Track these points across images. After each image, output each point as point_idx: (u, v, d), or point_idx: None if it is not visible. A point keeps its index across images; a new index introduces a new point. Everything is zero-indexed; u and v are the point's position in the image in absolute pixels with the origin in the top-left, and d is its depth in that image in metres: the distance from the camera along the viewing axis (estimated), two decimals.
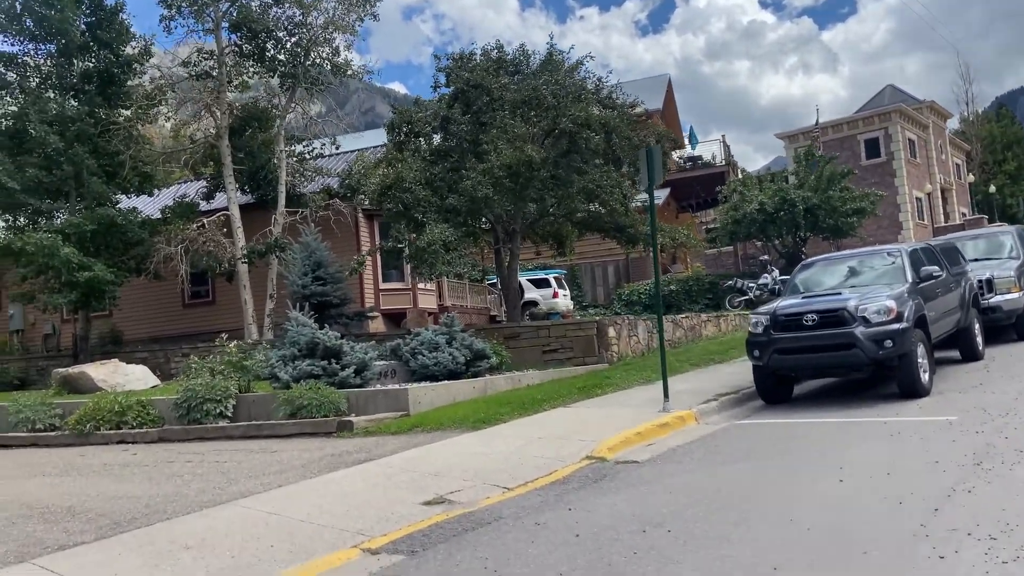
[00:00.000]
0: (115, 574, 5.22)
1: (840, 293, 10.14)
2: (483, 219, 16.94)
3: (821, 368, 10.03)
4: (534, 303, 26.48)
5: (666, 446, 8.49)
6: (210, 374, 12.01)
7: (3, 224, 19.24)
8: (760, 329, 10.21)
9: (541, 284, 27.81)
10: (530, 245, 20.64)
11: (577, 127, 14.12)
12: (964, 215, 55.52)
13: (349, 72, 20.29)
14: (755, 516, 5.59)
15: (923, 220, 46.96)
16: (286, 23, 18.98)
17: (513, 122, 14.52)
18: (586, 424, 9.53)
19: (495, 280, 29.09)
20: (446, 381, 12.71)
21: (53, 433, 12.09)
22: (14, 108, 18.46)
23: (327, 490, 7.21)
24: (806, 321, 9.71)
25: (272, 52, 19.07)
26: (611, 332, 15.38)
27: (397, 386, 12.28)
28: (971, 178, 52.61)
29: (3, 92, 18.84)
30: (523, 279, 25.07)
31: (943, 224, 50.47)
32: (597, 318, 15.58)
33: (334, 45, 19.70)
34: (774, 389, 10.52)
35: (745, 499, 6.12)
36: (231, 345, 12.62)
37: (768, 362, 10.04)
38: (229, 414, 11.69)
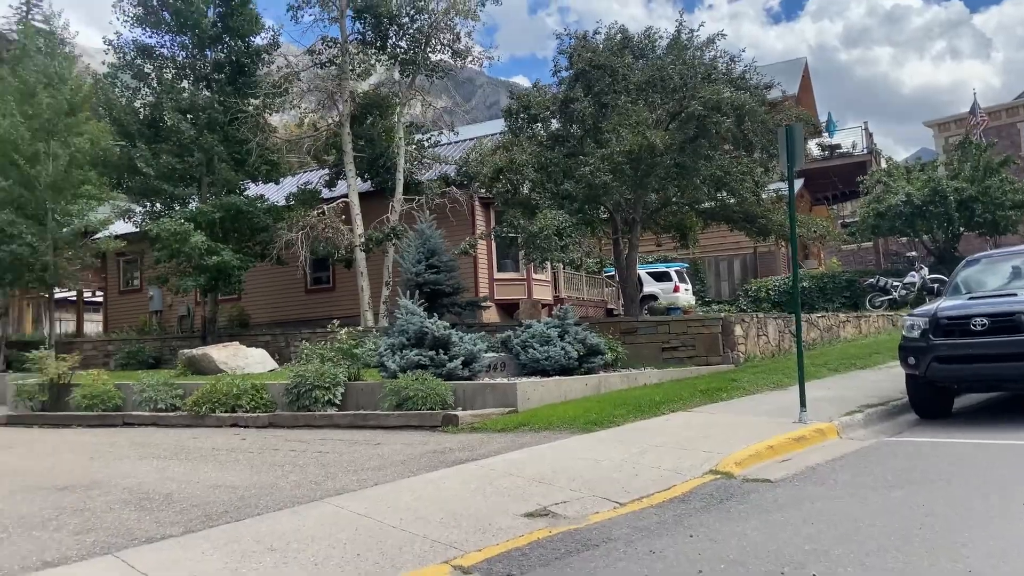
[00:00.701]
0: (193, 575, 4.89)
1: (1016, 294, 8.66)
2: (601, 207, 16.13)
3: (991, 380, 8.61)
4: (653, 297, 25.40)
5: (804, 464, 7.45)
6: (320, 361, 11.91)
7: (142, 210, 20.19)
8: (917, 333, 8.90)
9: (661, 278, 26.68)
10: (650, 236, 19.61)
11: (707, 110, 13.04)
12: None
13: (469, 58, 19.94)
14: (921, 562, 4.58)
15: None
16: (408, 8, 18.85)
17: (635, 107, 13.60)
18: (710, 432, 8.61)
19: (613, 272, 28.22)
20: (557, 377, 12.05)
21: (172, 414, 12.36)
22: (151, 98, 19.31)
23: (424, 492, 6.71)
24: (974, 326, 8.35)
25: (394, 39, 19.00)
26: (738, 330, 14.22)
27: (505, 380, 11.73)
28: None
29: (141, 83, 19.74)
30: (642, 272, 24.05)
31: None
32: (722, 314, 14.47)
33: (455, 31, 19.40)
34: (931, 402, 9.18)
35: (906, 538, 5.09)
36: (342, 332, 12.49)
37: (926, 371, 8.73)
38: (337, 402, 11.53)
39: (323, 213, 18.53)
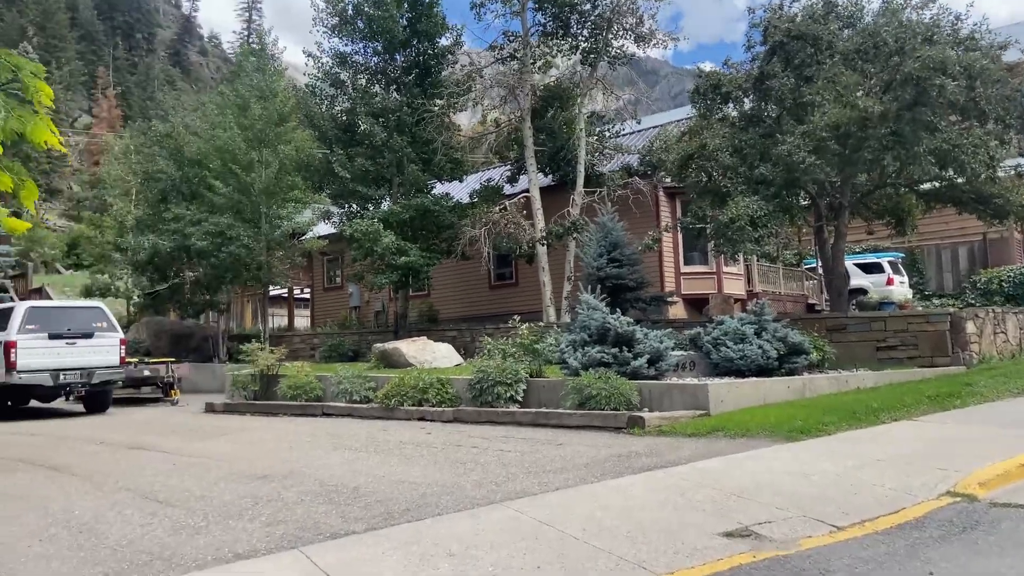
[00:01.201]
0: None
1: None
2: (801, 192, 14.72)
3: None
4: (862, 291, 23.07)
5: None
6: (502, 357, 11.77)
7: (339, 211, 21.38)
8: None
9: (871, 269, 24.17)
10: (859, 224, 17.73)
11: (927, 71, 11.35)
12: None
13: (653, 42, 19.10)
14: None
15: None
16: None
17: (844, 72, 12.17)
18: (943, 446, 7.36)
19: (813, 264, 26.03)
20: (754, 378, 11.05)
21: (365, 405, 12.79)
22: (346, 104, 20.37)
23: (609, 500, 6.20)
24: None
25: (575, 28, 18.63)
26: (970, 327, 12.35)
27: (695, 380, 10.92)
28: None
29: (338, 91, 20.88)
30: (848, 263, 21.90)
31: None
32: (951, 309, 12.63)
33: (638, 14, 18.67)
34: None
35: None
36: (523, 327, 12.29)
37: None
38: (519, 398, 11.33)
39: (505, 209, 18.56)
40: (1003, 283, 23.76)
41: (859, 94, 12.07)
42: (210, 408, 14.98)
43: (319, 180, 20.63)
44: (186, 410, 15.88)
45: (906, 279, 25.08)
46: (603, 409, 10.09)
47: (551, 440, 9.39)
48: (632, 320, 11.69)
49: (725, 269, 20.66)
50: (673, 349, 12.10)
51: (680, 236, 20.03)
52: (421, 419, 11.77)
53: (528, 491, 6.68)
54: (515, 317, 12.70)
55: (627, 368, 10.85)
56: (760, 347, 11.33)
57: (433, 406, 11.94)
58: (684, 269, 20.30)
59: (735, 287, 21.02)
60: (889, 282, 24.10)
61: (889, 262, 24.66)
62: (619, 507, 5.97)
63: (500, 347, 12.14)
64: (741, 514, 5.65)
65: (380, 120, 19.23)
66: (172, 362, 18.12)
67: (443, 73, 20.25)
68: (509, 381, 11.25)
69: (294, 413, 13.49)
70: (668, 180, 18.39)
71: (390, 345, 15.92)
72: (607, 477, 7.04)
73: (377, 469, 8.03)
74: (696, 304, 19.97)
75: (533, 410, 10.86)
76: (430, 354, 15.66)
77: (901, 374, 11.78)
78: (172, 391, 18.00)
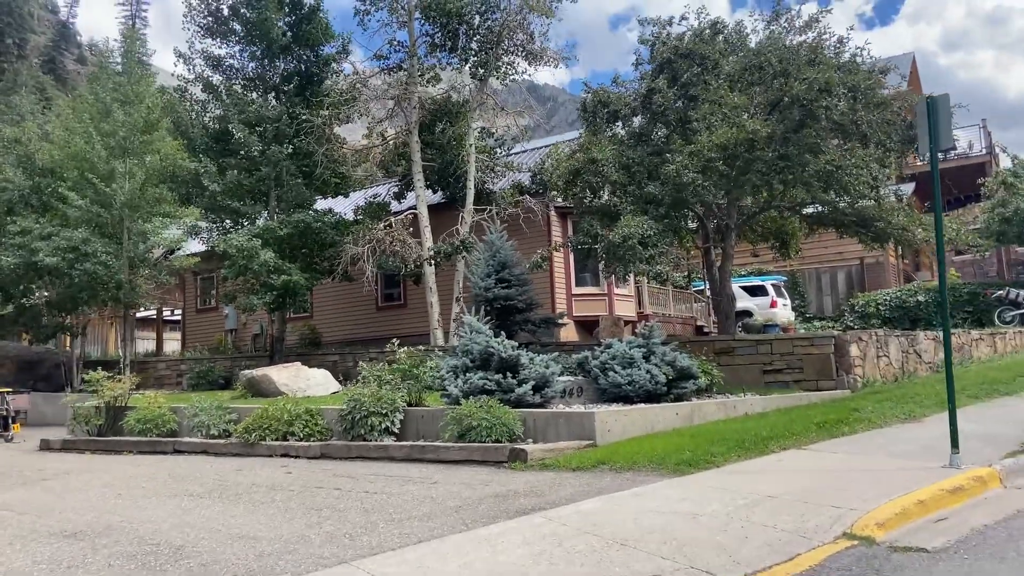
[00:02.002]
0: None
1: None
2: (689, 214, 14.52)
3: None
4: (747, 313, 23.35)
5: (966, 525, 5.73)
6: (377, 384, 10.79)
7: (209, 226, 19.76)
8: None
9: (756, 292, 24.58)
10: (745, 247, 17.78)
11: (814, 93, 11.30)
12: None
13: (545, 60, 18.70)
14: None
15: None
16: (478, 5, 17.77)
17: (730, 94, 11.99)
18: (836, 480, 6.94)
19: (702, 286, 26.28)
20: (642, 404, 10.53)
21: (223, 441, 11.49)
22: (218, 111, 18.90)
23: (476, 555, 5.36)
24: None
25: (464, 40, 17.99)
26: (854, 350, 12.33)
27: (582, 408, 10.29)
28: None
29: (209, 96, 19.39)
30: (734, 286, 22.11)
31: None
32: (835, 332, 12.60)
33: (528, 30, 18.24)
34: None
35: None
36: (401, 351, 11.37)
37: None
38: (396, 430, 10.37)
39: (390, 226, 17.60)
40: (880, 306, 24.63)
41: (745, 116, 11.90)
42: (45, 446, 13.19)
43: (187, 193, 19.01)
44: (18, 448, 13.96)
45: (789, 302, 25.67)
46: (484, 441, 9.28)
47: (425, 478, 8.49)
48: (517, 344, 10.98)
49: (616, 291, 20.40)
50: (561, 374, 11.47)
51: (572, 257, 19.63)
52: (285, 455, 10.61)
53: (386, 545, 5.76)
54: (394, 340, 11.76)
55: (511, 396, 10.10)
56: (648, 372, 10.84)
57: (300, 440, 10.80)
58: (575, 290, 19.89)
59: (626, 309, 20.79)
60: (773, 304, 24.57)
61: (772, 285, 25.18)
62: (486, 565, 5.14)
63: (376, 373, 11.16)
64: (622, 567, 4.94)
65: (257, 129, 17.92)
66: (8, 392, 16.02)
67: (326, 83, 19.15)
68: (384, 411, 10.28)
69: (142, 450, 11.99)
70: (560, 199, 17.95)
71: (259, 372, 14.58)
72: (479, 524, 6.20)
73: (215, 520, 6.89)
74: (588, 326, 19.57)
75: (408, 443, 9.92)
76: (304, 381, 14.44)
77: (788, 398, 11.57)
78: (12, 425, 15.90)
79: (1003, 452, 7.45)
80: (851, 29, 13.11)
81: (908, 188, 25.59)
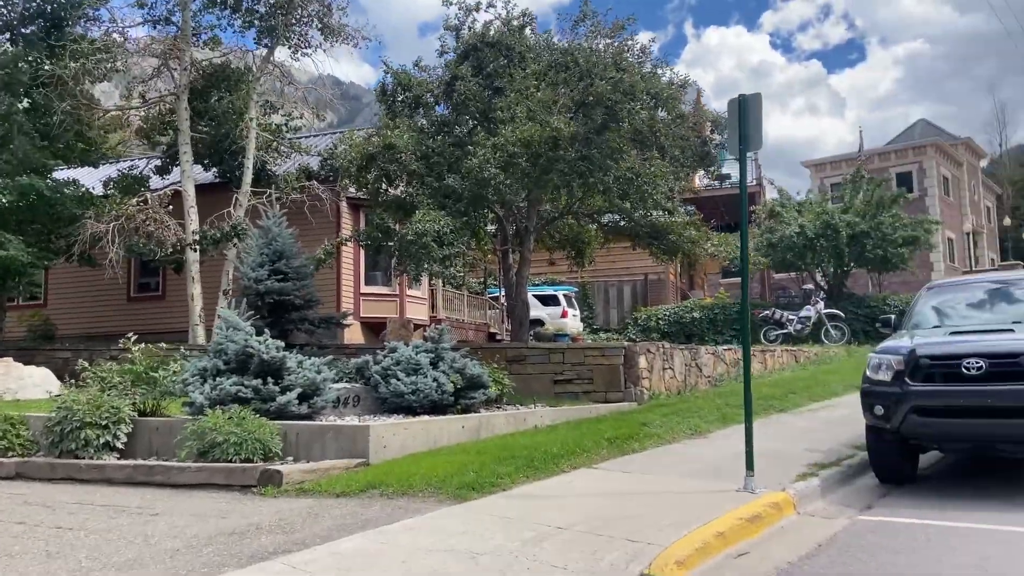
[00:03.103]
0: None
1: (1013, 331, 6.86)
2: (488, 214, 13.74)
3: (985, 440, 6.70)
4: (539, 322, 23.23)
5: (770, 562, 5.19)
6: (100, 387, 8.73)
7: None
8: (888, 375, 6.94)
9: (548, 301, 24.61)
10: (541, 255, 17.40)
11: (618, 95, 10.92)
12: (993, 260, 52.59)
13: (343, 37, 17.14)
14: None
15: (954, 262, 44.11)
16: None
17: (536, 85, 11.32)
18: (629, 505, 6.23)
19: (497, 293, 25.89)
20: (426, 416, 9.42)
21: None
22: None
23: None
24: (967, 369, 6.44)
25: (248, 2, 15.95)
26: (642, 362, 12.11)
27: (356, 420, 8.98)
28: (1008, 221, 49.50)
29: None
30: (528, 295, 21.84)
31: (975, 268, 47.56)
32: (625, 343, 12.36)
33: (325, 2, 16.60)
34: (898, 464, 7.24)
35: None
36: (136, 348, 9.37)
37: (900, 425, 6.77)
38: (120, 445, 8.40)
39: (145, 202, 15.10)
40: (660, 320, 25.64)
41: (550, 115, 11.29)
42: None
43: None
44: None
45: (579, 312, 26.03)
46: (231, 460, 7.66)
47: (146, 508, 6.73)
48: (288, 345, 9.44)
49: (409, 292, 19.26)
50: (336, 380, 10.08)
51: (362, 253, 18.19)
52: None
53: None
54: (129, 335, 9.70)
55: (271, 405, 8.54)
56: (435, 379, 9.76)
57: None
58: (364, 290, 18.46)
59: (419, 312, 19.70)
60: (564, 315, 24.76)
61: (564, 295, 25.40)
62: None
63: (101, 374, 9.07)
64: None
65: None
66: None
67: (76, 29, 16.15)
68: (104, 422, 8.27)
69: None
70: (353, 189, 16.46)
71: None
72: None
73: None
74: (376, 329, 18.21)
75: (132, 463, 8.01)
76: (15, 381, 11.75)
77: (577, 410, 11.04)
78: None
79: (793, 474, 7.19)
80: (653, 41, 13.05)
81: (690, 209, 26.94)
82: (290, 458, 8.10)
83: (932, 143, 44.47)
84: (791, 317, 21.04)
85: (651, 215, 12.97)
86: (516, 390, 11.47)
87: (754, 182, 32.77)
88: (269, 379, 8.65)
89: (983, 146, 54.29)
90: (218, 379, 8.71)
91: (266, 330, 9.31)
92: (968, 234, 44.88)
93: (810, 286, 23.40)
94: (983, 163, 55.02)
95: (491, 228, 15.74)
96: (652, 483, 7.02)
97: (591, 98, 11.16)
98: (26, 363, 13.27)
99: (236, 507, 6.69)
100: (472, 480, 6.91)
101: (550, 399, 11.85)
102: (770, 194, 31.54)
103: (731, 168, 32.43)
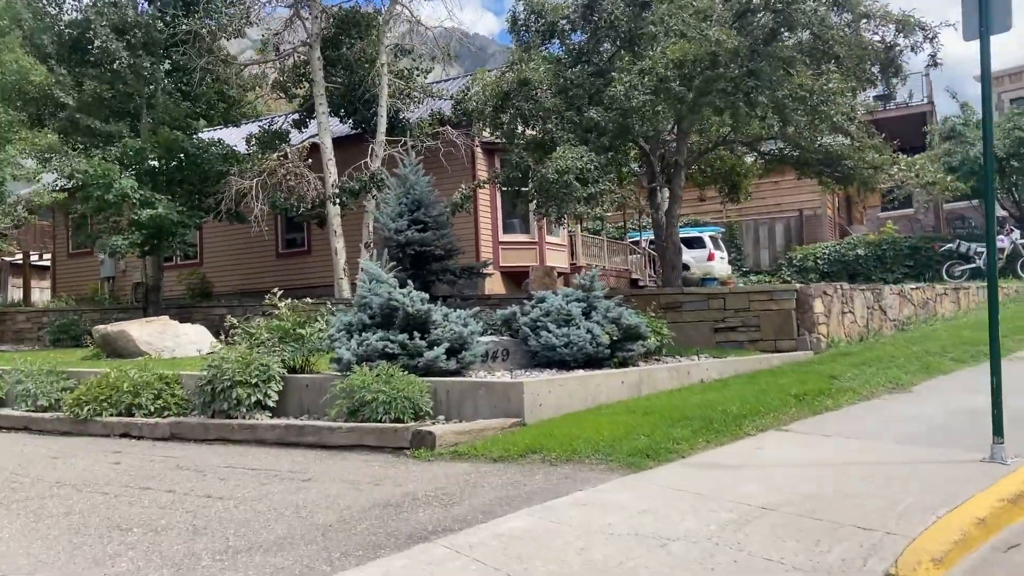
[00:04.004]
0: None
1: None
2: (633, 147, 12.57)
3: None
4: (685, 266, 21.73)
5: None
6: (249, 345, 8.53)
7: (71, 151, 16.68)
8: None
9: (693, 244, 23.05)
10: (692, 191, 15.98)
11: None
12: None
13: None
14: None
15: None
16: None
17: None
18: (844, 481, 5.16)
19: (637, 237, 24.64)
20: (581, 371, 8.62)
21: (49, 415, 9.03)
22: (76, 15, 15.67)
23: None
24: None
25: None
26: (818, 306, 10.73)
27: (507, 376, 8.32)
28: None
29: None
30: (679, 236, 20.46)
31: None
32: (797, 285, 10.99)
33: None
34: None
35: None
36: (283, 304, 9.11)
37: None
38: (271, 403, 8.17)
39: (285, 156, 15.02)
40: (818, 260, 23.54)
41: (708, 25, 9.92)
42: None
43: (38, 113, 15.86)
44: None
45: (726, 255, 24.33)
46: (381, 420, 7.21)
47: (297, 472, 6.37)
48: (432, 297, 8.88)
49: (548, 239, 18.46)
50: (483, 334, 9.46)
51: (499, 200, 17.52)
52: (126, 435, 8.28)
53: None
54: (275, 290, 9.48)
55: (419, 361, 8.02)
56: (589, 331, 8.92)
57: (149, 415, 8.48)
58: (503, 238, 17.83)
59: (558, 260, 18.90)
60: (710, 257, 23.18)
61: (711, 236, 23.75)
62: None
63: (250, 331, 8.88)
64: None
65: (125, 37, 14.86)
66: None
67: None
68: (254, 380, 8.06)
69: None
70: (487, 134, 15.72)
71: (115, 327, 12.02)
72: (350, 565, 4.15)
73: None
74: (516, 278, 17.61)
75: (283, 422, 7.74)
76: (172, 339, 11.99)
77: (746, 361, 9.89)
78: None
79: None
80: None
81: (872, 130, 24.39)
82: (441, 417, 7.57)
83: None
84: (980, 250, 18.52)
85: (822, 140, 11.35)
86: (674, 340, 10.44)
87: (925, 100, 29.27)
88: (415, 333, 8.11)
89: None
90: (364, 334, 8.28)
91: (409, 282, 8.78)
92: None
93: (1004, 213, 20.54)
94: None
95: (636, 167, 14.59)
96: (863, 451, 5.88)
97: (756, 1, 9.67)
98: (183, 321, 13.62)
99: (389, 472, 6.19)
100: (644, 445, 6.05)
101: (712, 350, 10.75)
102: (945, 111, 28.05)
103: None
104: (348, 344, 8.23)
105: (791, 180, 24.48)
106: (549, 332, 8.93)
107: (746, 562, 3.91)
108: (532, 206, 12.67)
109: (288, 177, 14.53)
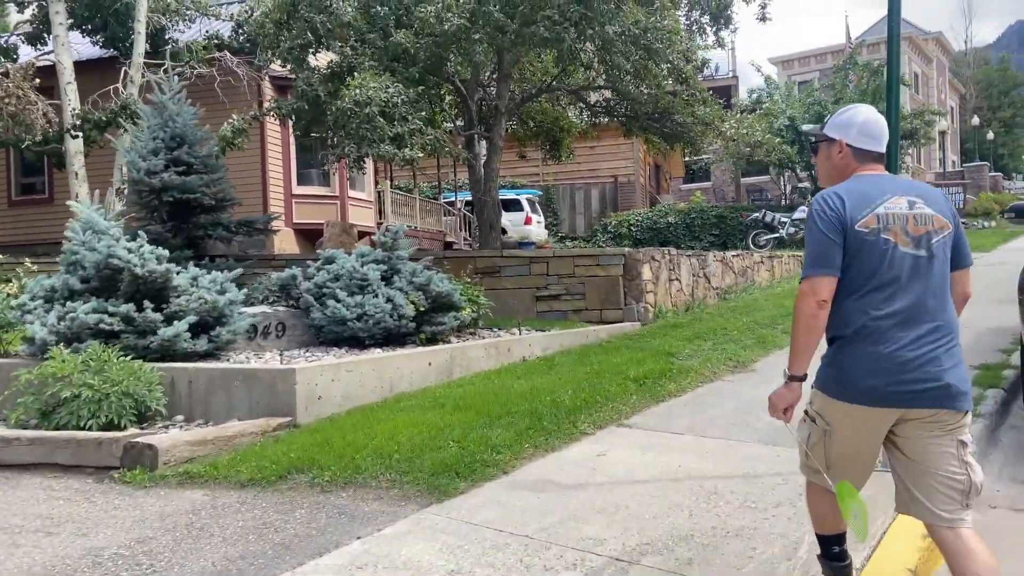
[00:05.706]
0: None
1: None
2: (449, 87, 10.89)
3: None
4: (502, 230, 20.62)
5: None
6: None
7: None
8: None
9: (510, 206, 21.88)
10: (512, 148, 14.57)
11: None
12: (954, 162, 51.71)
13: None
14: None
15: (920, 163, 42.74)
16: None
17: None
18: (723, 504, 3.87)
19: (453, 198, 23.10)
20: (379, 351, 6.90)
21: None
22: None
23: None
24: None
25: None
26: (646, 272, 9.73)
27: (278, 360, 6.42)
28: (975, 121, 48.15)
29: None
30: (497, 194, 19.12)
31: (940, 170, 46.56)
32: (625, 250, 9.92)
33: None
34: None
35: None
36: None
37: None
38: None
39: (5, 75, 11.71)
40: (632, 227, 23.36)
41: None
42: None
43: None
44: None
45: (543, 219, 23.52)
46: (86, 426, 5.08)
47: None
48: (164, 254, 6.68)
49: (351, 193, 16.37)
50: (254, 303, 7.44)
51: (293, 149, 15.13)
52: None
53: None
54: None
55: (152, 341, 5.90)
56: (390, 300, 7.19)
57: None
58: (297, 190, 15.49)
59: (364, 217, 16.87)
60: (528, 221, 22.23)
61: (528, 200, 22.78)
62: None
63: None
64: None
65: None
66: None
67: None
68: None
69: None
70: (278, 66, 13.25)
71: None
72: None
73: None
74: (312, 237, 15.36)
75: None
76: None
77: (572, 335, 8.65)
78: None
79: None
80: None
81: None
82: (179, 418, 5.55)
83: (906, 36, 42.31)
84: (783, 220, 18.89)
85: (653, 87, 10.29)
86: (492, 311, 8.98)
87: (730, 74, 30.11)
88: (147, 304, 5.95)
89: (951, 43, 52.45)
90: (72, 302, 5.98)
91: (169, 237, 6.55)
92: (941, 133, 43.39)
93: (805, 184, 21.20)
94: (947, 62, 53.36)
95: (452, 115, 12.93)
96: (727, 455, 4.68)
97: None
98: None
99: (76, 511, 4.14)
100: (455, 457, 4.46)
101: (534, 320, 9.44)
102: (748, 84, 28.96)
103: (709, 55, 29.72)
104: (46, 318, 5.90)
105: (608, 144, 24.07)
106: (338, 301, 7.09)
107: None
108: (329, 143, 10.61)
109: (7, 101, 11.30)
